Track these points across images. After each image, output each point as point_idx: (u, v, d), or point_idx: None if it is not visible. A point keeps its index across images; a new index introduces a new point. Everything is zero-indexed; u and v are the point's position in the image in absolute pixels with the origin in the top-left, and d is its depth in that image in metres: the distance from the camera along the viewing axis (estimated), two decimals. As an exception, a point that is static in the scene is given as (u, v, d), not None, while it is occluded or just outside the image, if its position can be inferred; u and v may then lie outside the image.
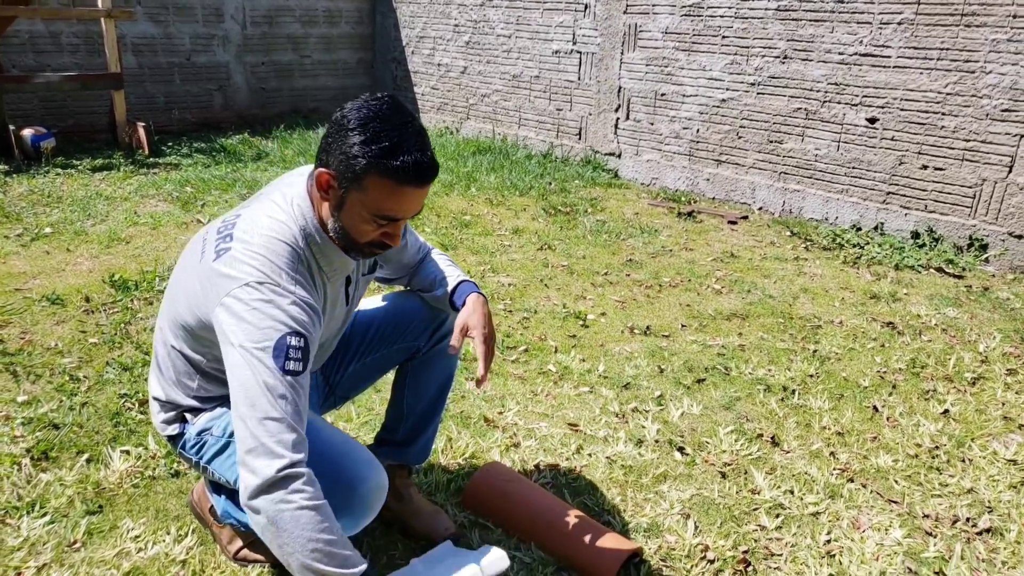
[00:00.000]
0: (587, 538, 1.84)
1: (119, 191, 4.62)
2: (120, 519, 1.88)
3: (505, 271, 3.80)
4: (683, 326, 3.28)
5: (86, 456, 2.11)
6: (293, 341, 1.32)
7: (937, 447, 2.40)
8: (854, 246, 4.34)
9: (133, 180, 4.85)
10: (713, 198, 5.32)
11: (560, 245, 4.22)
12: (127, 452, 2.14)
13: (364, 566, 1.30)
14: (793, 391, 2.73)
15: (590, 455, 2.29)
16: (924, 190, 4.34)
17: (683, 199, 5.26)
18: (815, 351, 3.05)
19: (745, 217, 4.94)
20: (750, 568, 1.86)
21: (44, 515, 1.87)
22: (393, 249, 1.55)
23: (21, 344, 2.72)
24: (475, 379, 1.61)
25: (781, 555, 1.91)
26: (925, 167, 4.31)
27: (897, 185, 4.43)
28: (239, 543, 1.74)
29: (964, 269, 4.05)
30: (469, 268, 3.84)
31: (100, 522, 1.86)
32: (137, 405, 2.39)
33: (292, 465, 1.27)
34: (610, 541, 1.84)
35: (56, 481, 2.00)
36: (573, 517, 1.90)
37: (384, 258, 1.73)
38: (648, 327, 3.24)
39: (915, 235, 4.38)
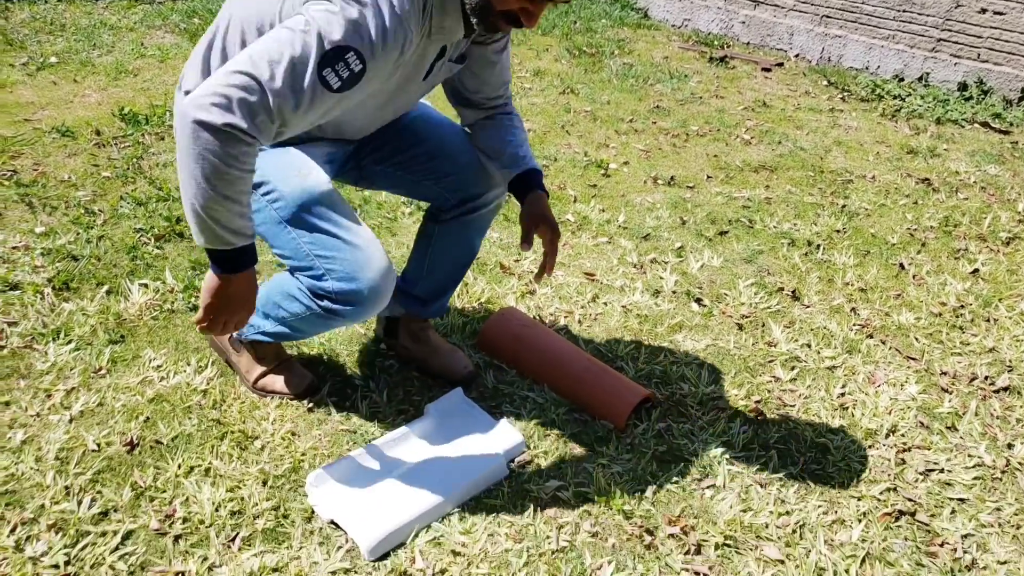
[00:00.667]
0: (600, 383, 1.86)
1: (124, 20, 4.40)
2: (142, 349, 1.91)
3: (525, 115, 3.65)
4: (708, 177, 3.17)
5: (106, 288, 2.12)
6: (353, 60, 1.19)
7: (963, 306, 2.36)
8: (894, 98, 4.12)
9: (138, 9, 4.61)
10: (747, 43, 5.00)
11: (584, 89, 4.02)
12: (145, 286, 2.15)
13: (247, 243, 1.30)
14: (818, 246, 2.67)
15: (606, 304, 2.27)
16: (979, 36, 4.04)
17: (715, 43, 4.96)
18: (844, 206, 2.96)
19: (780, 64, 4.66)
20: (762, 417, 1.88)
21: (69, 342, 1.90)
22: (487, 64, 1.57)
23: (35, 175, 2.67)
24: (535, 276, 1.62)
25: (794, 406, 1.93)
26: (984, 11, 3.98)
27: (950, 31, 4.13)
28: (258, 370, 1.76)
29: (1011, 124, 3.85)
30: (489, 111, 3.69)
31: (123, 351, 1.90)
32: (153, 240, 2.37)
33: (241, 131, 1.15)
34: (623, 387, 1.86)
35: (78, 311, 2.02)
36: (587, 362, 1.91)
37: (476, 64, 1.57)
38: (672, 177, 3.13)
39: (962, 87, 4.13)
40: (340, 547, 1.46)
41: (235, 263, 1.30)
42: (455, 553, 1.47)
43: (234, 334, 1.71)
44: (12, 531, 1.42)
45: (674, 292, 2.36)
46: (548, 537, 1.52)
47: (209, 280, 1.33)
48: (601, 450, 1.75)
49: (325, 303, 1.49)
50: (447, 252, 1.80)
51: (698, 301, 2.33)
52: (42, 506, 1.48)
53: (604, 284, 2.37)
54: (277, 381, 1.75)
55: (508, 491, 1.62)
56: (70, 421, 1.68)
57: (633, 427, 1.82)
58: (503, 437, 1.71)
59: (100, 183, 2.68)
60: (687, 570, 1.48)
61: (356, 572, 1.41)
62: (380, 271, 1.46)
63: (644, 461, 1.73)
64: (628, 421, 1.83)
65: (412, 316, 1.87)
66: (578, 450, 1.74)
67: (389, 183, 1.75)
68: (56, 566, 1.37)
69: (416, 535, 1.49)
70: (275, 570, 1.40)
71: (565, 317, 2.19)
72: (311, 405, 1.78)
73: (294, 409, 1.77)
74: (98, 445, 1.62)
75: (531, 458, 1.70)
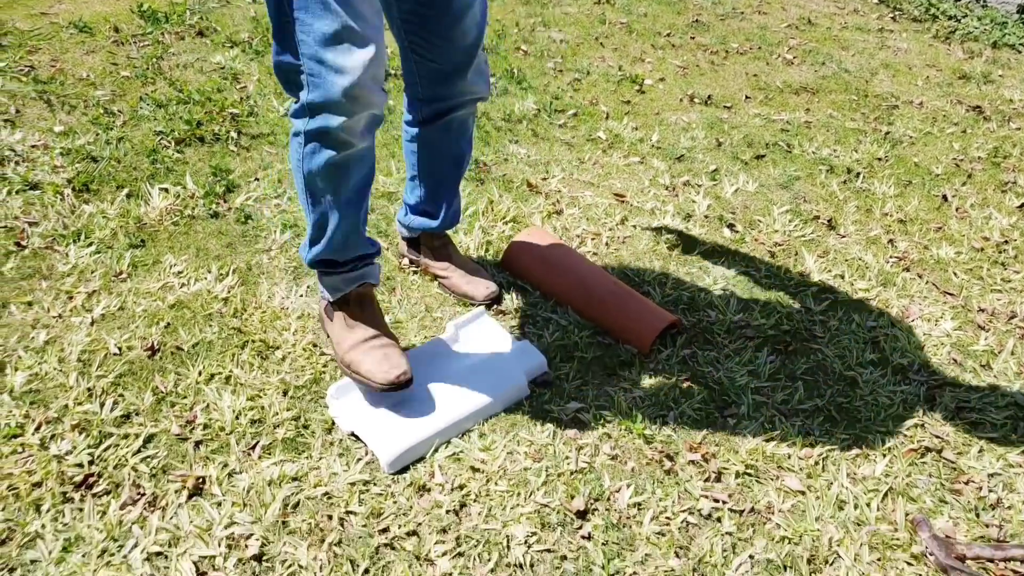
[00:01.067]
0: (625, 307, 1.82)
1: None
2: (162, 255, 1.88)
3: (557, 25, 3.48)
4: (747, 98, 3.03)
5: (126, 191, 2.09)
6: None
7: (1006, 242, 2.27)
8: (949, 18, 3.88)
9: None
10: (797, -45, 4.71)
11: (619, 0, 3.83)
12: (165, 190, 2.11)
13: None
14: (858, 174, 2.56)
15: (635, 227, 2.21)
16: (1047, -44, 3.76)
17: (763, -46, 4.67)
18: (887, 133, 2.83)
19: (831, -21, 4.40)
20: (790, 348, 1.84)
21: (90, 244, 1.88)
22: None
23: (52, 72, 2.61)
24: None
25: (824, 337, 1.88)
26: (1056, -73, 3.69)
27: (1016, -52, 3.84)
28: (349, 340, 1.55)
29: (1071, 53, 3.63)
30: (518, 20, 3.53)
31: (143, 256, 1.87)
32: (173, 144, 2.32)
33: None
34: (648, 311, 1.82)
35: (99, 213, 1.99)
36: (612, 285, 1.87)
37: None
38: (709, 96, 3.00)
39: (1021, 9, 3.88)
40: (360, 459, 1.46)
41: None
42: (474, 469, 1.46)
43: (322, 293, 1.59)
44: (37, 429, 1.43)
45: (706, 217, 2.29)
46: (567, 458, 1.51)
47: None
48: (624, 374, 1.72)
49: (310, 122, 1.31)
50: (436, 155, 1.71)
51: (730, 227, 2.25)
52: (65, 406, 1.48)
53: (634, 206, 2.30)
54: (366, 361, 1.50)
55: (528, 411, 1.60)
56: (91, 324, 1.67)
57: (657, 352, 1.79)
58: (525, 357, 1.68)
59: (119, 82, 2.61)
60: (706, 496, 1.47)
61: (375, 484, 1.41)
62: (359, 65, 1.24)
63: (667, 387, 1.70)
64: (653, 346, 1.79)
65: (428, 232, 1.83)
66: (600, 373, 1.72)
67: (392, 27, 1.52)
68: (80, 465, 1.38)
69: (436, 450, 1.49)
70: (294, 479, 1.41)
71: (592, 239, 2.14)
72: (332, 317, 1.76)
73: (315, 321, 1.75)
74: (119, 349, 1.62)
75: (552, 379, 1.68)
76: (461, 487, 1.43)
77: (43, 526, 1.28)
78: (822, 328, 1.91)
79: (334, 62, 1.21)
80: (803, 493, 1.50)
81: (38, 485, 1.34)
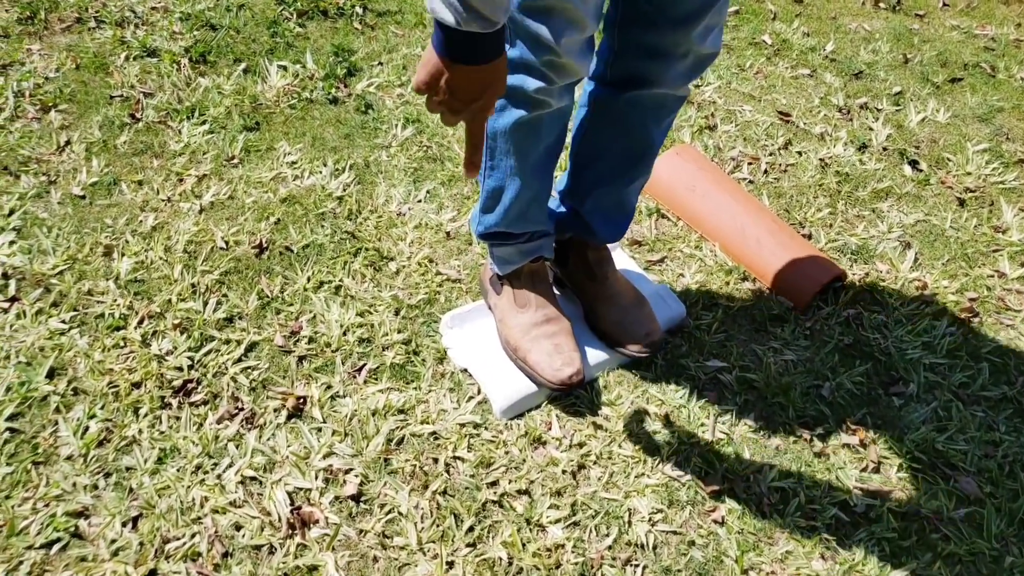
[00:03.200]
0: (783, 251, 1.56)
1: None
2: (276, 141, 1.74)
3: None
4: (945, 5, 2.56)
5: (243, 66, 1.94)
6: None
7: None
8: None
9: None
10: None
11: None
12: (284, 68, 1.95)
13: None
14: (1081, 112, 2.12)
15: (800, 153, 1.90)
16: None
17: None
18: (1123, 63, 2.33)
19: None
20: (977, 320, 1.55)
21: (203, 123, 1.76)
22: None
23: (175, -73, 2.44)
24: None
25: (1020, 312, 1.57)
26: None
27: None
28: (518, 322, 1.33)
29: None
30: None
31: (257, 140, 1.74)
32: (295, 16, 2.14)
33: None
34: (810, 260, 1.55)
35: (214, 88, 1.86)
36: (770, 223, 1.60)
37: None
38: (899, 1, 2.54)
39: None
40: (471, 397, 1.31)
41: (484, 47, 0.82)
42: (596, 427, 1.30)
43: (491, 264, 1.37)
44: (139, 324, 1.35)
45: (884, 149, 1.94)
46: (703, 425, 1.32)
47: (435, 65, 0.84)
48: (775, 331, 1.49)
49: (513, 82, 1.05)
50: (611, 132, 1.22)
51: (913, 164, 1.91)
52: (169, 301, 1.39)
53: (800, 128, 1.98)
54: (534, 351, 1.28)
55: (662, 365, 1.41)
56: (200, 212, 1.56)
57: (816, 309, 1.54)
58: (662, 303, 1.47)
59: (242, -58, 2.42)
60: (861, 489, 1.26)
61: (486, 428, 1.27)
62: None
63: (825, 352, 1.46)
64: (811, 301, 1.54)
65: (581, 240, 1.39)
66: (747, 328, 1.49)
67: None
68: (180, 368, 1.30)
69: (556, 397, 1.32)
70: (401, 411, 1.28)
71: (749, 163, 1.85)
72: (451, 231, 1.59)
73: (433, 232, 1.59)
74: (226, 243, 1.51)
75: (692, 330, 1.47)
76: (580, 445, 1.27)
77: (140, 431, 1.21)
78: (1018, 299, 1.60)
79: (539, 32, 0.97)
80: (981, 502, 1.26)
81: (137, 386, 1.27)
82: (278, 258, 1.50)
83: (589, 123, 1.25)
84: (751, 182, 1.80)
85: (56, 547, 1.07)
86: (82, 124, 1.71)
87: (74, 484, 1.13)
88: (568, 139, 1.58)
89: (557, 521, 1.17)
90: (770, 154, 1.88)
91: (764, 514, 1.22)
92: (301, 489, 1.17)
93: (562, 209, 1.39)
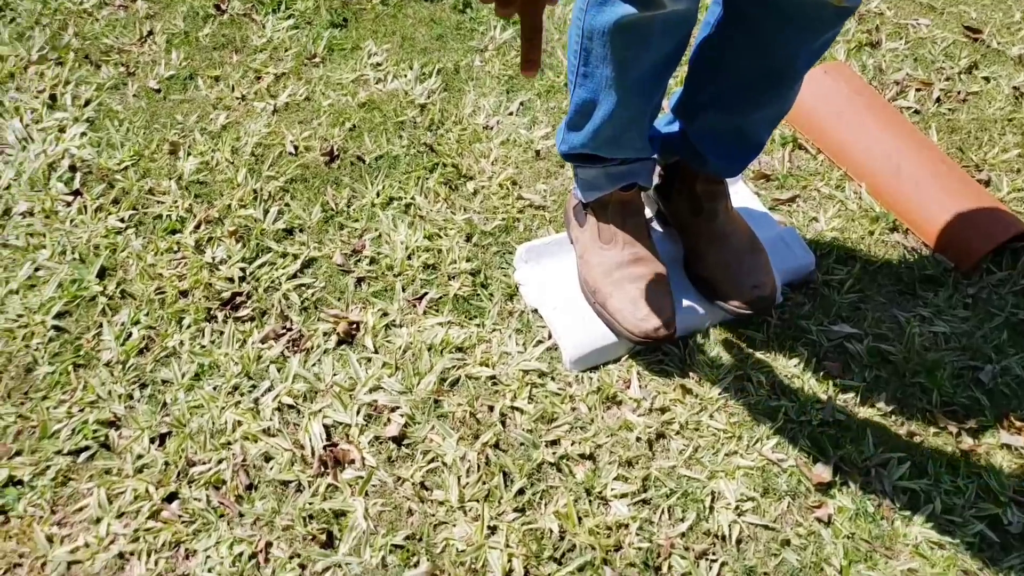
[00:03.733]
0: (948, 198, 1.26)
1: None
2: (363, 39, 1.58)
3: None
4: None
5: (340, -41, 1.78)
6: None
7: None
8: None
9: None
10: None
11: None
12: (382, -39, 1.77)
13: None
14: None
15: (987, 80, 1.54)
16: None
17: None
18: None
19: None
20: None
21: (289, 17, 1.62)
22: None
23: None
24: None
25: None
26: None
27: None
28: (600, 261, 1.14)
29: None
30: None
31: (342, 38, 1.58)
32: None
33: None
34: (984, 211, 1.24)
35: (308, -17, 1.72)
36: (935, 162, 1.30)
37: None
38: None
39: None
40: (540, 342, 1.14)
41: None
42: (685, 390, 1.09)
43: (575, 189, 1.16)
44: (196, 228, 1.26)
45: (1101, 79, 1.55)
46: (817, 402, 1.09)
47: None
48: (925, 295, 1.21)
49: None
50: (742, 43, 0.95)
51: None
52: (228, 207, 1.29)
53: (992, 49, 1.60)
54: (616, 295, 1.09)
55: (776, 325, 1.17)
56: (273, 112, 1.44)
57: (985, 273, 1.24)
58: (785, 250, 1.22)
59: None
60: (1016, 503, 1.00)
61: (553, 379, 1.10)
62: None
63: (990, 327, 1.17)
64: (980, 263, 1.24)
65: (690, 167, 1.15)
66: (890, 288, 1.22)
67: None
68: (231, 279, 1.20)
69: (639, 352, 1.13)
70: (459, 348, 1.13)
71: (918, 90, 1.51)
72: (542, 151, 1.39)
73: (521, 151, 1.39)
74: (296, 148, 1.38)
75: (819, 284, 1.22)
76: (663, 410, 1.07)
77: (181, 343, 1.12)
78: None
79: None
80: None
81: (185, 294, 1.18)
82: (348, 168, 1.36)
83: (717, 26, 0.99)
84: (917, 112, 1.48)
85: (83, 455, 1.01)
86: (167, 14, 1.61)
87: (110, 392, 1.06)
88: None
89: (623, 496, 0.99)
90: (947, 79, 1.54)
91: (885, 519, 0.99)
92: (340, 424, 1.05)
93: (673, 126, 1.15)
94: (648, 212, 1.28)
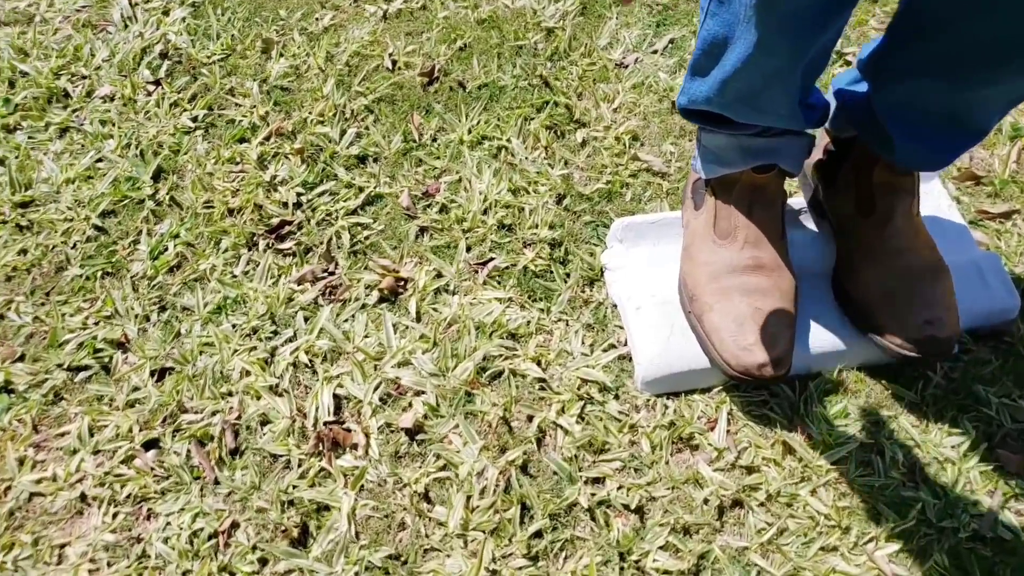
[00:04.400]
0: None
1: None
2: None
3: None
4: None
5: None
6: None
7: None
8: None
9: None
10: None
11: None
12: None
13: None
14: None
15: None
16: None
17: None
18: None
19: None
20: None
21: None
22: None
23: None
24: None
25: None
26: None
27: None
28: (710, 259, 0.88)
29: None
30: None
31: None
32: None
33: None
34: None
35: None
36: None
37: None
38: None
39: None
40: (612, 346, 0.91)
41: None
42: (788, 450, 0.82)
43: (695, 160, 0.91)
44: (266, 139, 1.13)
45: None
46: (974, 505, 0.78)
47: None
48: None
49: None
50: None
51: None
52: (305, 120, 1.14)
53: None
54: (718, 312, 0.83)
55: (941, 384, 0.86)
56: (383, 18, 1.26)
57: None
58: (978, 283, 0.89)
59: None
60: None
61: (616, 398, 0.87)
62: None
63: None
64: None
65: (868, 149, 0.85)
66: None
67: None
68: (284, 204, 1.05)
69: (736, 385, 0.87)
70: (511, 334, 0.92)
71: None
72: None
73: (655, 99, 1.13)
74: (394, 63, 1.20)
75: (1017, 342, 0.88)
76: (749, 470, 0.82)
77: (213, 268, 1.00)
78: None
79: None
80: None
81: (232, 212, 1.05)
82: (445, 94, 1.16)
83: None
84: None
85: (82, 375, 0.92)
86: None
87: (128, 309, 0.97)
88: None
89: (667, 573, 0.76)
90: None
91: None
92: (353, 399, 0.89)
93: (858, 87, 0.85)
94: (799, 200, 0.98)
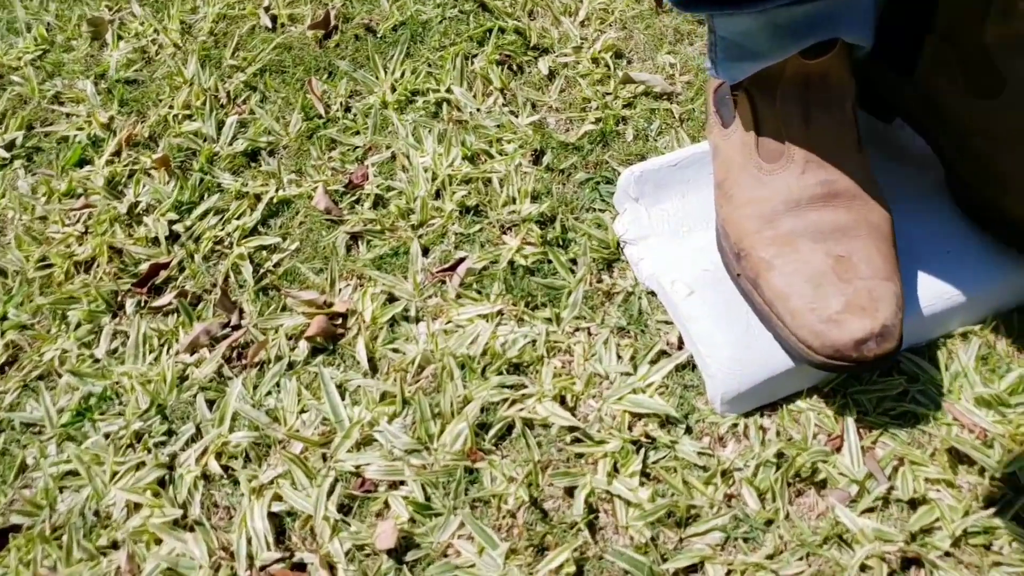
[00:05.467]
0: None
1: None
2: None
3: None
4: None
5: None
6: None
7: None
8: None
9: None
10: None
11: None
12: None
13: None
14: None
15: None
16: None
17: None
18: None
19: None
20: None
21: None
22: None
23: None
24: None
25: None
26: None
27: None
28: (749, 217, 0.60)
29: None
30: None
31: None
32: None
33: None
34: None
35: None
36: None
37: None
38: None
39: None
40: (663, 353, 0.62)
41: None
42: (960, 458, 0.55)
43: (708, 62, 0.62)
44: (115, 155, 0.81)
45: None
46: None
47: None
48: None
49: None
50: None
51: None
52: (165, 119, 0.82)
53: None
54: (781, 268, 0.56)
55: None
56: (247, -33, 0.94)
57: None
58: None
59: None
60: None
61: (688, 428, 0.58)
62: None
63: None
64: None
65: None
66: None
67: None
68: (154, 241, 0.75)
69: (855, 377, 0.58)
70: (514, 365, 0.63)
71: None
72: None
73: (629, -3, 0.83)
74: (274, 20, 0.89)
75: None
76: (914, 503, 0.54)
77: (63, 354, 0.69)
78: None
79: None
80: None
81: (80, 268, 0.73)
82: (351, 47, 0.85)
83: None
84: None
85: None
86: None
87: (-51, 440, 0.65)
88: None
89: None
90: None
91: None
92: (299, 514, 0.58)
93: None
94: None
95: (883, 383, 0.58)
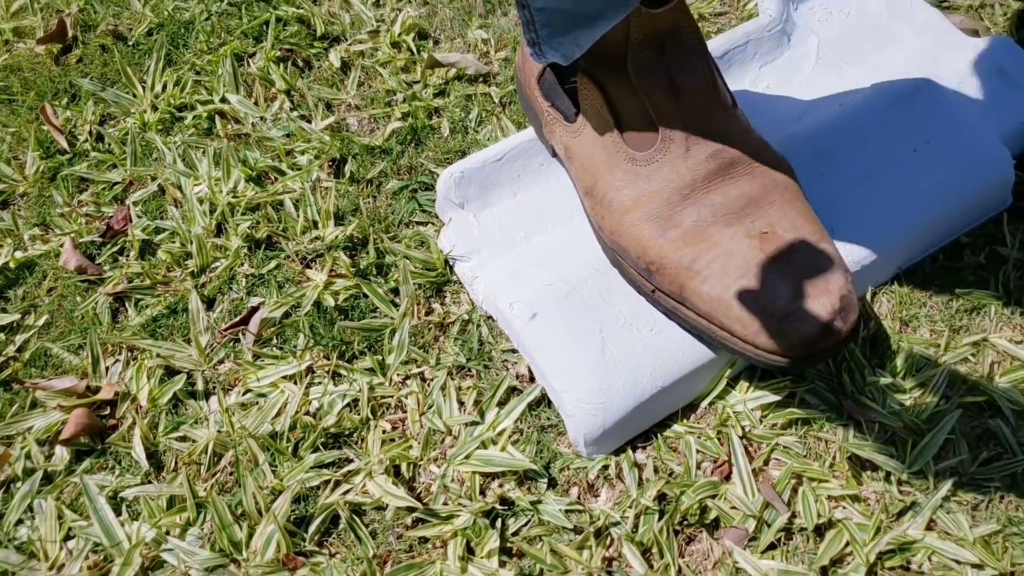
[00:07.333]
0: None
1: None
2: None
3: None
4: None
5: None
6: None
7: None
8: None
9: None
10: None
11: None
12: None
13: None
14: None
15: None
16: None
17: None
18: None
19: None
20: None
21: None
22: None
23: None
24: None
25: None
26: None
27: None
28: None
29: None
30: None
31: None
32: None
33: None
34: None
35: None
36: None
37: None
38: None
39: None
40: (513, 390, 0.51)
41: None
42: (860, 466, 0.47)
43: (527, 44, 0.48)
44: None
45: None
46: None
47: None
48: None
49: None
50: None
51: None
52: None
53: None
54: (707, 270, 0.46)
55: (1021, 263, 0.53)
56: (-44, -27, 0.75)
57: None
58: (1003, 82, 0.56)
59: None
60: None
61: (551, 480, 0.48)
62: None
63: None
64: None
65: None
66: None
67: None
68: None
69: (737, 386, 0.50)
70: (334, 437, 0.50)
71: None
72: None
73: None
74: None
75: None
76: (821, 530, 0.45)
77: None
78: None
79: None
80: None
81: None
82: (97, 60, 0.69)
83: None
84: None
85: None
86: None
87: None
88: None
89: None
90: None
91: None
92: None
93: None
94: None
95: (765, 387, 0.50)
